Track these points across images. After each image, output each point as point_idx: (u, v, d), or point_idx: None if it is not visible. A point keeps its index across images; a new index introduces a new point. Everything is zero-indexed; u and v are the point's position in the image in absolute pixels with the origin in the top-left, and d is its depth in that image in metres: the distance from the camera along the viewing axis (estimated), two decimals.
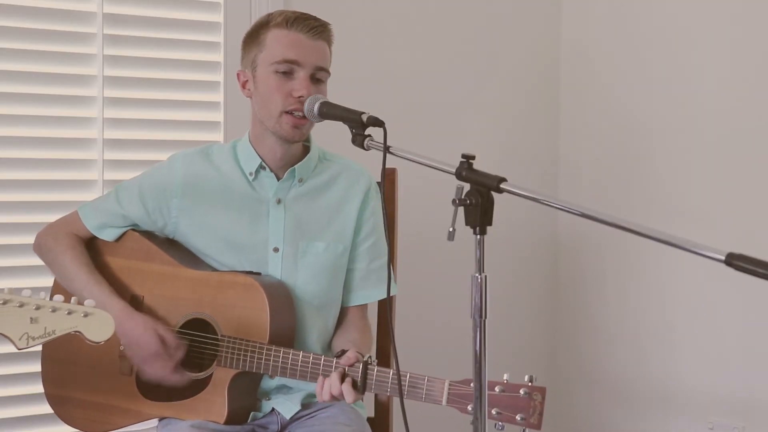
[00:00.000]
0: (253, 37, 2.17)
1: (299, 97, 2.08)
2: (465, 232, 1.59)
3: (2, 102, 2.56)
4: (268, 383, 2.17)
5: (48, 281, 2.29)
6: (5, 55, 2.56)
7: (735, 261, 1.30)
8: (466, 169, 1.59)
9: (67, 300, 1.81)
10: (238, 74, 2.21)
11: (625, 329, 3.22)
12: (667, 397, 3.09)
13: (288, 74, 2.11)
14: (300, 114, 2.08)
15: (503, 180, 1.56)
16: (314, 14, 2.17)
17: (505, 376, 1.87)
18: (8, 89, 2.57)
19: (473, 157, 1.60)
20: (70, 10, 2.64)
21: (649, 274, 3.15)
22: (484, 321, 1.57)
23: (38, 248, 2.29)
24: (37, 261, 2.30)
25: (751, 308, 2.88)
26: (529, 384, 1.86)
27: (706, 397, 2.99)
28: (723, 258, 1.31)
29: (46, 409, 2.27)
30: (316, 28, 2.13)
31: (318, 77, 2.13)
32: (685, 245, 1.36)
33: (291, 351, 2.04)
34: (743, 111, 2.90)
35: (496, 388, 1.86)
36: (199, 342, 2.12)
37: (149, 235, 2.24)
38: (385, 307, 2.29)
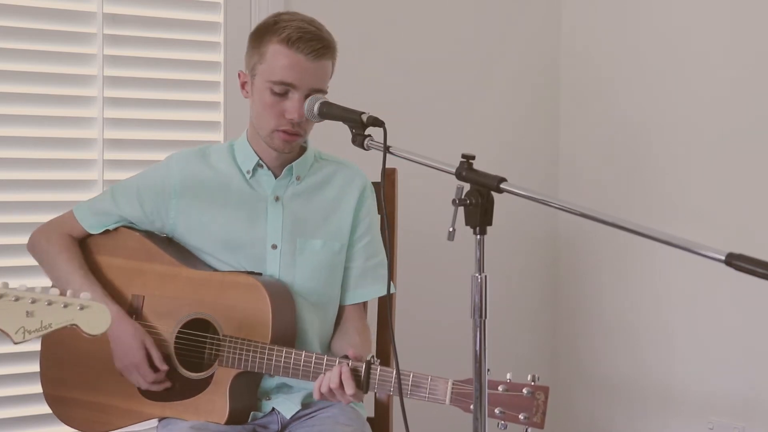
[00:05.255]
0: (258, 39, 2.14)
1: (290, 119, 2.09)
2: (465, 232, 1.59)
3: (2, 102, 2.56)
4: (269, 383, 2.17)
5: (48, 281, 2.29)
6: (5, 55, 2.56)
7: (735, 261, 1.30)
8: (466, 169, 1.59)
9: (63, 294, 1.78)
10: (239, 74, 2.21)
11: (626, 329, 3.21)
12: (667, 397, 3.09)
13: (282, 95, 2.10)
14: (292, 132, 2.10)
15: (503, 180, 1.56)
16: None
17: (508, 376, 1.87)
18: (8, 89, 2.56)
19: (473, 157, 1.60)
20: (70, 10, 2.64)
21: (649, 274, 3.15)
22: (484, 321, 1.57)
23: (32, 248, 2.29)
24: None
25: (751, 308, 2.88)
26: (532, 383, 1.86)
27: (706, 397, 2.99)
28: (723, 258, 1.31)
29: (45, 409, 2.26)
30: (317, 50, 2.09)
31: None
32: (685, 245, 1.36)
33: (293, 351, 2.04)
34: (743, 111, 2.89)
35: (499, 388, 1.86)
36: (200, 342, 2.12)
37: (149, 235, 2.24)
38: (385, 306, 2.30)
